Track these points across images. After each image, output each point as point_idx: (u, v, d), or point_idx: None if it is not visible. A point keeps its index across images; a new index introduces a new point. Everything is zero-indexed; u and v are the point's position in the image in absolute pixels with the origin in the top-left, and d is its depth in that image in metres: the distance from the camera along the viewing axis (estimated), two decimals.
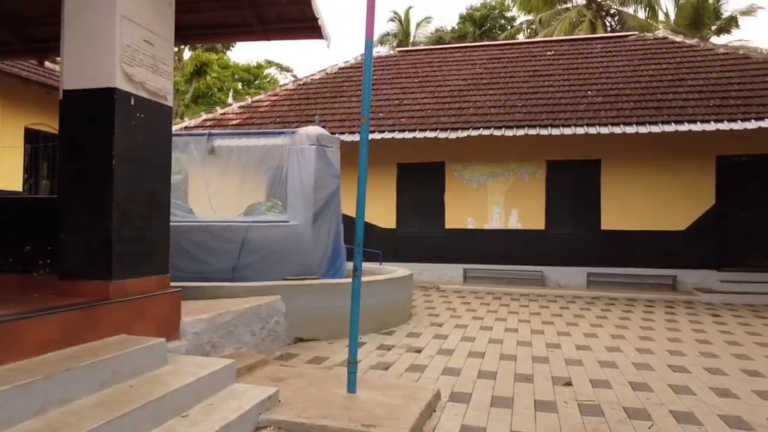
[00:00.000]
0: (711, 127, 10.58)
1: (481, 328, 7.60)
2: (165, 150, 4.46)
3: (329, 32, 5.80)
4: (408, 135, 12.15)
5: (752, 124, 10.37)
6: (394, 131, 12.34)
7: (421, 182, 13.13)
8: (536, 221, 12.44)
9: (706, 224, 11.50)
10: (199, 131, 11.24)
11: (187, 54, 32.31)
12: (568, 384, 4.99)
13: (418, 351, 6.18)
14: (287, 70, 38.53)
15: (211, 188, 8.48)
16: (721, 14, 27.92)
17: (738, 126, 10.44)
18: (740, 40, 27.17)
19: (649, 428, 3.98)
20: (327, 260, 7.77)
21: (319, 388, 4.32)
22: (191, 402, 3.46)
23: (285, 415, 3.70)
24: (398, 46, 30.23)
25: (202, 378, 3.62)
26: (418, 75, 14.99)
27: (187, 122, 14.60)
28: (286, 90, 15.41)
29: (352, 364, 4.19)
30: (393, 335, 6.98)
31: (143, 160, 4.15)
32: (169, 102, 4.46)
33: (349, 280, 4.30)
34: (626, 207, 11.92)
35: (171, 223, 4.61)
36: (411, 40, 33.77)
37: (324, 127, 9.82)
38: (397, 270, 8.66)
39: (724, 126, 10.58)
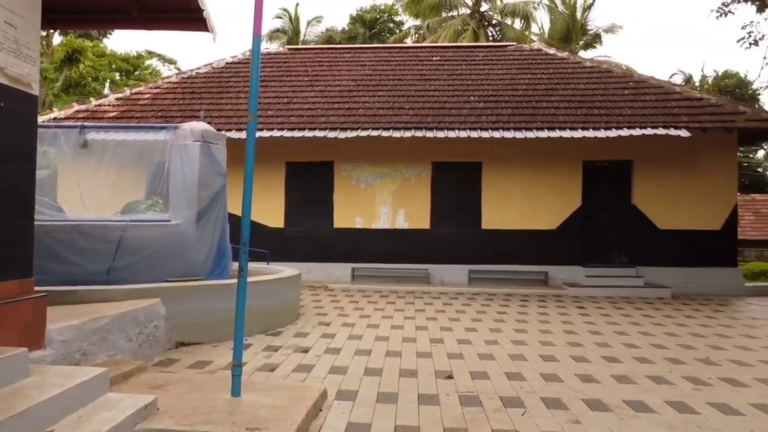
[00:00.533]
0: (579, 134, 11.50)
1: (368, 326, 7.73)
2: (29, 142, 4.10)
3: (215, 25, 5.62)
4: (297, 134, 12.06)
5: (613, 133, 11.40)
6: (283, 129, 12.19)
7: (310, 181, 13.08)
8: (422, 221, 12.83)
9: (574, 224, 12.48)
10: (71, 123, 10.43)
11: (57, 39, 29.80)
12: (450, 377, 5.21)
13: (306, 351, 6.16)
14: (170, 62, 36.77)
15: (84, 185, 7.89)
16: (588, 31, 30.41)
17: (602, 134, 11.43)
18: (604, 55, 29.68)
19: (522, 415, 4.26)
20: (212, 260, 7.52)
21: (202, 393, 4.18)
22: (58, 415, 3.22)
23: (164, 423, 3.55)
24: (288, 43, 29.85)
25: (70, 389, 3.38)
26: (308, 74, 14.91)
27: (57, 113, 13.48)
28: (169, 83, 14.70)
29: (236, 366, 4.10)
30: (280, 336, 6.91)
31: (3, 152, 3.79)
32: (35, 90, 4.10)
33: (235, 280, 4.20)
34: (504, 208, 12.63)
35: (36, 223, 4.25)
36: (301, 38, 33.48)
37: (210, 123, 9.50)
38: (285, 270, 8.57)
39: (590, 134, 11.53)
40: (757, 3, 9.21)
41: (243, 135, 11.03)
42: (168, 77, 15.91)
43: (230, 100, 13.52)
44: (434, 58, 15.69)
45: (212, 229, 7.50)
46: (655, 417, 4.25)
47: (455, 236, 12.74)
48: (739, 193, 14.47)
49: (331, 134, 11.97)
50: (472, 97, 13.27)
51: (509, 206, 12.62)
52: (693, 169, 12.30)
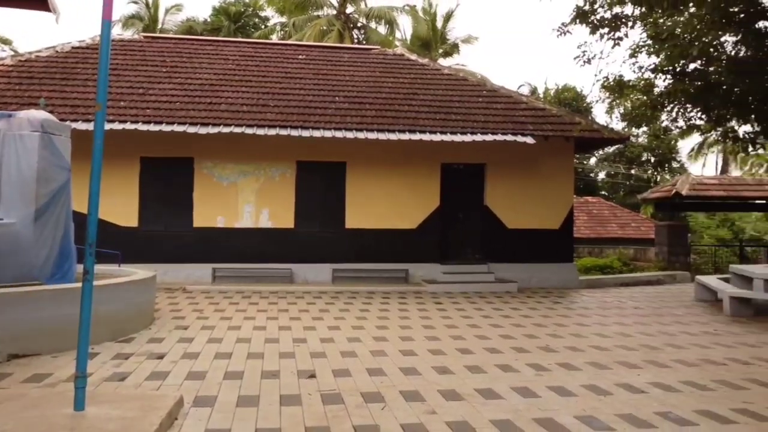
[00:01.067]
0: (437, 138, 12.06)
1: (229, 328, 7.51)
2: None
3: (58, 5, 5.14)
4: (153, 127, 11.37)
5: (468, 138, 12.12)
6: (137, 122, 11.43)
7: (168, 178, 12.41)
8: (286, 220, 12.72)
9: (433, 223, 13.08)
10: None
11: None
12: (312, 376, 5.23)
13: (161, 357, 5.85)
14: (5, 42, 32.88)
15: None
16: (447, 40, 32.00)
17: (458, 138, 12.09)
18: (461, 64, 31.45)
19: (382, 409, 4.39)
20: (53, 263, 6.87)
21: (39, 410, 3.82)
22: None
23: None
24: (145, 31, 28.02)
25: None
26: (166, 64, 14.12)
27: None
28: (3, 66, 13.15)
29: (80, 378, 3.79)
30: (132, 342, 6.49)
31: None
32: None
33: (79, 284, 3.89)
34: (367, 207, 12.91)
35: None
36: (159, 26, 31.62)
37: (52, 112, 8.66)
38: (138, 272, 8.06)
39: (448, 138, 12.15)
40: (590, 26, 10.28)
41: (91, 126, 10.18)
42: (2, 59, 14.23)
43: (77, 89, 12.41)
44: (300, 57, 15.61)
45: (53, 228, 6.85)
46: (502, 403, 4.60)
47: (319, 235, 12.78)
48: (575, 196, 16.11)
49: (192, 129, 11.45)
50: (337, 98, 13.39)
51: (372, 206, 12.92)
52: (537, 173, 13.44)
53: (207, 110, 12.18)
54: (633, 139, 39.36)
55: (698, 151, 39.56)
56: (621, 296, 11.94)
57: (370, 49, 17.35)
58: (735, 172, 37.58)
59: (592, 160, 40.40)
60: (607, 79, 11.74)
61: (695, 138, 39.66)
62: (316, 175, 12.91)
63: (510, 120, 13.07)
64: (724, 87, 10.68)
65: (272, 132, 11.76)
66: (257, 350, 6.26)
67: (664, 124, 12.42)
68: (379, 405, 4.48)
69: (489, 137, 12.23)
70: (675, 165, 38.85)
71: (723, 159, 39.71)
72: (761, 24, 10.30)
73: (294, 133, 11.82)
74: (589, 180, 39.62)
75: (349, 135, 11.92)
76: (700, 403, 4.61)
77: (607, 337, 7.37)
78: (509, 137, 12.28)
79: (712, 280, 11.11)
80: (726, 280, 11.35)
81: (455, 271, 12.76)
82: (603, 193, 38.36)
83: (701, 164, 42.48)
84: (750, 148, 11.77)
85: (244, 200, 12.60)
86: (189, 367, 5.47)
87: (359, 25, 30.58)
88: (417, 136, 12.08)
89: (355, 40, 28.63)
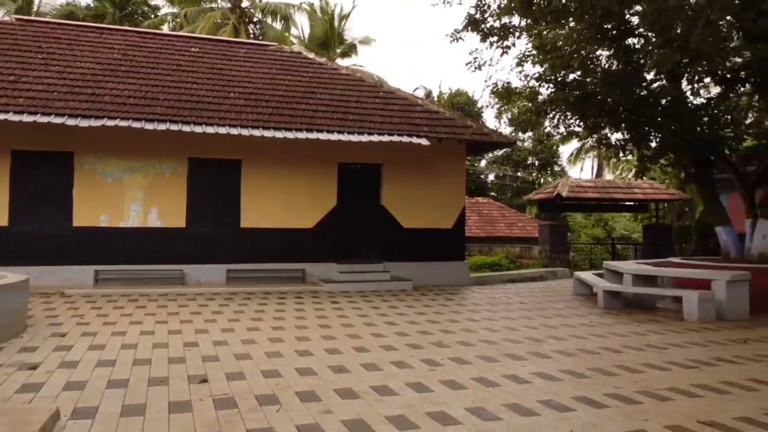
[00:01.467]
0: (334, 137, 12.08)
1: (113, 334, 7.07)
2: None
3: None
4: (27, 118, 10.44)
5: (365, 138, 12.24)
6: (8, 112, 10.45)
7: (44, 174, 11.47)
8: (177, 219, 12.18)
9: (330, 223, 13.09)
10: None
11: None
12: (204, 381, 5.06)
13: (34, 367, 5.40)
14: None
15: None
16: (345, 40, 32.12)
17: (355, 138, 12.18)
18: (359, 65, 31.70)
19: (277, 411, 4.34)
20: None
21: None
22: None
23: None
24: (18, 13, 25.66)
25: None
26: (42, 50, 13.02)
27: None
28: None
29: None
30: (1, 353, 5.93)
31: None
32: None
33: None
34: (263, 206, 12.67)
35: None
36: (34, 9, 29.10)
37: None
38: (8, 275, 7.38)
39: (345, 138, 12.20)
40: (480, 33, 10.75)
41: None
42: None
43: None
44: (193, 50, 15.01)
45: None
46: (397, 399, 4.70)
47: (213, 235, 12.37)
48: (466, 197, 16.80)
49: (71, 121, 10.65)
50: (232, 93, 13.02)
51: (268, 205, 12.70)
52: (431, 174, 13.85)
53: (89, 101, 11.38)
54: (519, 143, 41.68)
55: (576, 155, 42.54)
56: (508, 292, 12.59)
57: (267, 45, 17.04)
58: (608, 175, 40.80)
59: (483, 163, 42.24)
60: (496, 85, 12.34)
61: (574, 144, 42.64)
62: (210, 172, 12.48)
63: (406, 122, 13.36)
64: (599, 97, 11.57)
65: (162, 127, 11.21)
66: (144, 356, 5.95)
67: (547, 130, 13.23)
68: (274, 407, 4.42)
69: (385, 138, 12.43)
70: (557, 168, 41.57)
71: (598, 164, 43.02)
72: (630, 41, 11.28)
73: (185, 128, 11.34)
74: (480, 181, 41.41)
75: (245, 132, 11.64)
76: (577, 390, 4.97)
77: (496, 332, 7.75)
78: (405, 138, 12.55)
79: (588, 276, 12.01)
80: (600, 276, 12.30)
81: (352, 270, 12.84)
82: (492, 194, 40.25)
83: (579, 168, 45.83)
84: (621, 154, 12.85)
85: (130, 198, 11.92)
86: (67, 377, 5.09)
87: (255, 20, 29.94)
88: (314, 135, 12.04)
89: (251, 35, 27.99)
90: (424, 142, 12.63)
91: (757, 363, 6.11)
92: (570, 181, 18.65)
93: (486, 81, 11.92)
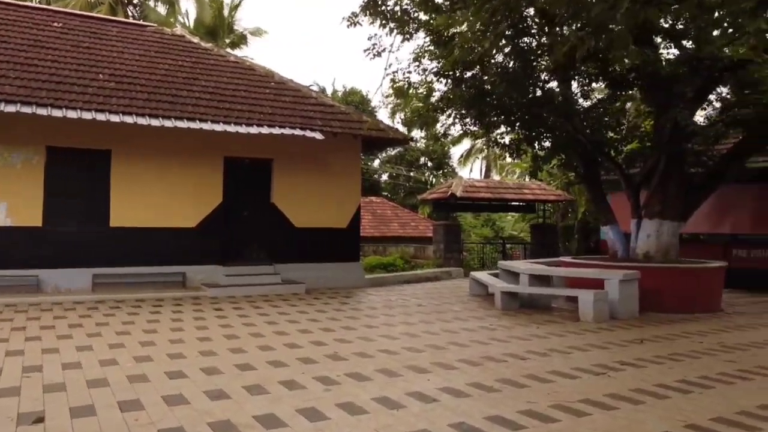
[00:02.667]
0: (220, 128, 11.02)
1: None
2: None
3: None
4: None
5: (254, 130, 11.29)
6: None
7: None
8: (31, 217, 10.54)
9: (215, 221, 11.97)
10: None
11: None
12: (40, 420, 4.01)
13: None
14: None
15: None
16: (235, 30, 30.54)
17: (243, 130, 11.19)
18: (250, 57, 30.21)
19: None
20: None
21: None
22: None
23: None
24: None
25: None
26: None
27: None
28: None
29: None
30: None
31: None
32: None
33: None
34: (138, 203, 11.32)
35: None
36: None
37: None
38: None
39: (232, 128, 11.17)
40: (380, 17, 10.19)
41: None
42: None
43: None
44: (55, 24, 13.20)
45: None
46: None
47: (76, 235, 10.84)
48: (362, 197, 16.26)
49: None
50: (101, 75, 11.51)
51: (143, 202, 11.35)
52: (325, 171, 13.13)
53: None
54: (412, 143, 42.04)
55: (467, 157, 43.67)
56: (404, 294, 12.17)
57: (145, 26, 15.48)
58: (495, 176, 42.23)
59: (376, 162, 42.16)
60: (396, 74, 11.85)
61: (465, 145, 43.80)
62: (73, 163, 10.96)
63: (298, 114, 12.55)
64: (494, 95, 11.45)
65: (11, 108, 9.60)
66: None
67: (443, 127, 13.00)
68: None
69: (276, 130, 11.54)
70: (447, 169, 42.37)
71: (486, 165, 44.45)
72: (526, 40, 11.23)
73: (42, 111, 9.80)
74: (374, 181, 41.27)
75: (114, 118, 10.27)
76: (489, 408, 4.48)
77: (395, 339, 7.20)
78: (298, 132, 11.74)
79: (483, 276, 11.86)
80: (496, 276, 12.21)
81: (239, 273, 11.82)
82: (385, 193, 40.23)
83: (469, 169, 47.00)
84: (515, 154, 12.87)
85: None
86: None
87: (135, 1, 27.62)
88: (197, 125, 10.90)
89: (130, 17, 25.73)
90: (318, 136, 11.89)
91: (659, 365, 6.00)
92: (464, 181, 18.71)
93: (386, 69, 11.19)
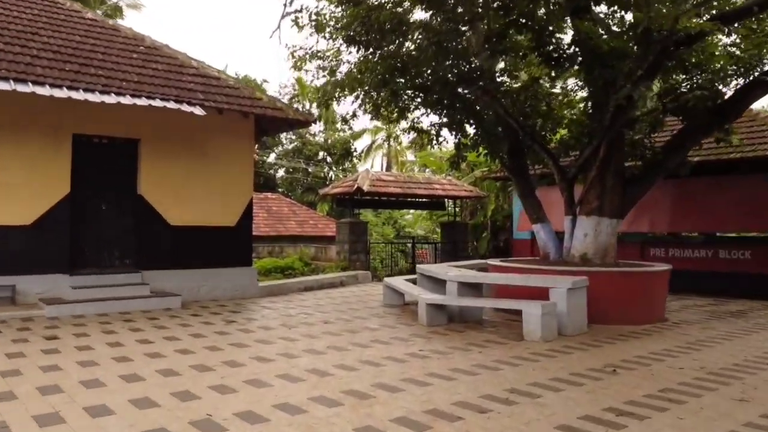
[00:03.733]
0: (63, 93, 8.37)
1: None
2: None
3: None
4: None
5: (111, 99, 8.71)
6: None
7: None
8: None
9: (59, 218, 9.25)
10: None
11: None
12: None
13: None
14: None
15: None
16: (107, 1, 26.83)
17: (95, 98, 8.59)
18: None
19: None
20: None
21: None
22: None
23: None
24: None
25: None
26: None
27: None
28: None
29: None
30: None
31: None
32: None
33: None
34: None
35: None
36: None
37: None
38: None
39: (79, 95, 8.55)
40: None
41: None
42: None
43: None
44: None
45: None
46: None
47: None
48: (255, 192, 13.99)
49: None
50: None
51: None
52: (209, 157, 10.76)
53: None
54: (310, 137, 39.82)
55: (368, 152, 42.11)
56: (306, 305, 10.12)
57: None
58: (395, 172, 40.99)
59: (272, 157, 39.46)
60: (299, 14, 9.83)
61: (366, 140, 42.24)
62: None
63: (174, 85, 10.10)
64: (413, 70, 9.73)
65: None
66: None
67: (352, 108, 11.07)
68: None
69: (142, 101, 9.05)
70: (348, 165, 40.53)
71: (387, 161, 43.11)
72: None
73: None
74: (269, 176, 38.54)
75: None
76: None
77: (299, 382, 5.16)
78: (171, 105, 9.30)
79: (400, 283, 10.06)
80: (413, 282, 10.49)
81: (93, 285, 9.21)
82: (281, 190, 37.67)
83: (370, 165, 45.43)
84: (434, 141, 11.19)
85: None
86: None
87: None
88: (29, 88, 8.17)
89: None
90: (197, 111, 9.50)
91: (663, 413, 4.44)
92: (371, 174, 16.87)
93: (286, 5, 9.21)
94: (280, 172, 40.24)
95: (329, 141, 38.64)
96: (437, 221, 27.15)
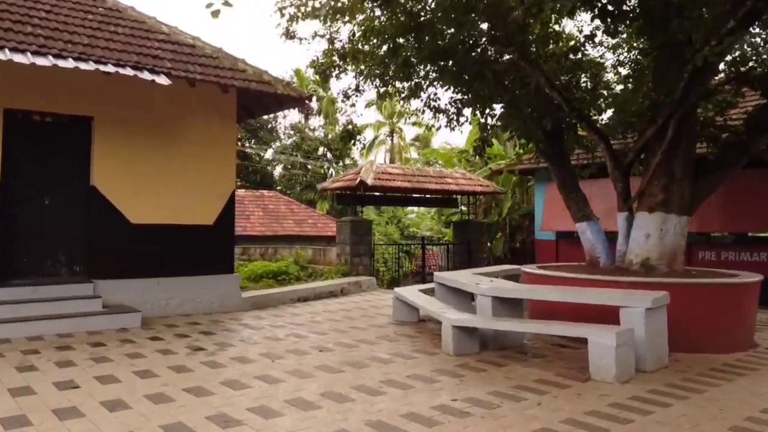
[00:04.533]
0: None
1: None
2: None
3: None
4: None
5: (45, 61, 6.79)
6: None
7: None
8: None
9: None
10: None
11: None
12: None
13: None
14: None
15: None
16: None
17: (24, 59, 6.65)
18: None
19: None
20: None
21: None
22: None
23: None
24: None
25: None
26: None
27: None
28: None
29: None
30: None
31: None
32: None
33: None
34: None
35: None
36: None
37: None
38: None
39: (16, 57, 6.64)
40: None
41: None
42: None
43: None
44: None
45: None
46: None
47: None
48: (251, 190, 12.10)
49: None
50: None
51: None
52: (181, 142, 8.85)
53: None
54: (309, 131, 37.88)
55: (369, 148, 40.20)
56: (299, 321, 8.20)
57: None
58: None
59: (269, 153, 37.57)
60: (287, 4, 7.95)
61: (368, 135, 40.32)
62: None
63: (136, 51, 8.16)
64: (427, 38, 7.84)
65: None
66: None
67: (354, 83, 9.13)
68: None
69: (87, 65, 7.12)
70: (348, 161, 38.59)
71: (390, 158, 41.18)
72: None
73: None
74: (266, 173, 36.63)
75: None
76: None
77: None
78: (127, 71, 7.37)
79: (414, 296, 8.11)
80: (427, 292, 8.58)
81: (26, 299, 7.29)
82: (279, 188, 35.76)
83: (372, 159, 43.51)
84: (454, 122, 9.23)
85: None
86: None
87: None
88: None
89: None
90: (161, 80, 7.58)
91: None
92: (375, 166, 14.91)
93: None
94: (278, 169, 38.33)
95: (329, 136, 36.73)
96: (445, 220, 25.22)
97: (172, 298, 8.53)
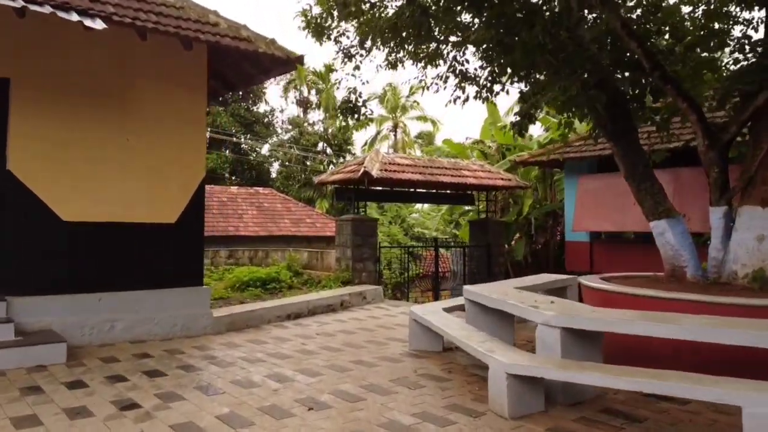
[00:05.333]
0: None
1: None
2: None
3: None
4: None
5: None
6: None
7: None
8: None
9: None
10: None
11: None
12: None
13: None
14: None
15: None
16: None
17: None
18: None
19: None
20: None
21: None
22: None
23: None
24: None
25: None
26: None
27: None
28: None
29: None
30: None
31: None
32: None
33: None
34: None
35: None
36: None
37: None
38: None
39: None
40: None
41: None
42: None
43: None
44: None
45: None
46: None
47: None
48: (244, 187, 10.10)
49: None
50: None
51: None
52: (133, 117, 6.80)
53: None
54: (308, 126, 35.81)
55: (371, 144, 38.21)
56: (284, 353, 6.14)
57: None
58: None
59: (265, 149, 35.54)
60: None
61: (370, 131, 38.33)
62: None
63: None
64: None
65: None
66: None
67: (358, 40, 7.07)
68: None
69: None
70: (349, 158, 36.59)
71: (394, 153, 39.17)
72: None
73: None
74: (262, 170, 34.58)
75: None
76: None
77: None
78: (44, 9, 5.30)
79: (440, 321, 6.03)
80: (452, 311, 6.54)
81: None
82: (276, 185, 33.73)
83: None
84: (487, 93, 7.16)
85: None
86: None
87: None
88: None
89: None
90: (97, 25, 5.52)
91: None
92: (382, 156, 12.82)
93: None
94: (275, 166, 36.29)
95: (329, 131, 34.72)
96: (453, 219, 23.16)
97: (119, 319, 6.48)
